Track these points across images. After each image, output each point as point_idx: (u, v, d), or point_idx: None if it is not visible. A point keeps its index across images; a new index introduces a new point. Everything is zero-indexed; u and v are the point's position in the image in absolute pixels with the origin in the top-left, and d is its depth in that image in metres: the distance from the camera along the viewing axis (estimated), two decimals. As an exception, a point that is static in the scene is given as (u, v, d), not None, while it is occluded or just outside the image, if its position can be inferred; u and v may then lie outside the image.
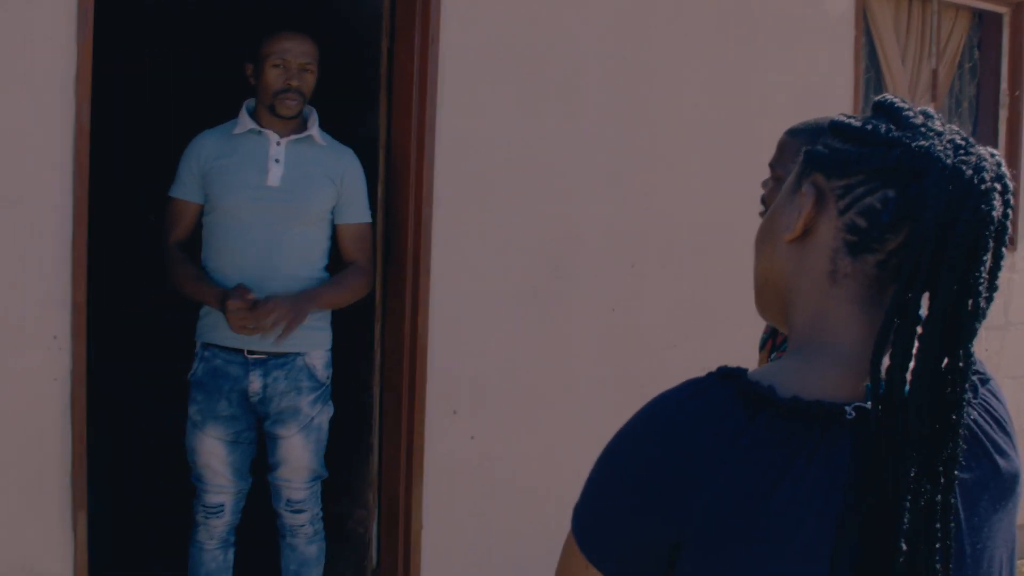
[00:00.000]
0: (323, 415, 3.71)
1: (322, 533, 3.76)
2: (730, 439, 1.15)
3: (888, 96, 1.30)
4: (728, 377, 1.20)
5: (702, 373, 1.23)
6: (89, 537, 3.27)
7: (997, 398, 1.29)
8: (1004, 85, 6.05)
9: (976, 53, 6.08)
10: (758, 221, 2.61)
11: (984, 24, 6.05)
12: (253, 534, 3.89)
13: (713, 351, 4.68)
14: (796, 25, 4.90)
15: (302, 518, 3.71)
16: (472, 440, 4.08)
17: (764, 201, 2.66)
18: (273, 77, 3.63)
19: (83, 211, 3.18)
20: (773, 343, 2.67)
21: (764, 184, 2.66)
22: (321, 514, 3.77)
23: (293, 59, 3.63)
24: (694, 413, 1.17)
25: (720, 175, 4.66)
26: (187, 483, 3.70)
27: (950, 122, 1.30)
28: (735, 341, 4.72)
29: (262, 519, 3.84)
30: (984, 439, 1.24)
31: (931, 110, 1.27)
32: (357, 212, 3.75)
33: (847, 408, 1.17)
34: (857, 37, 5.14)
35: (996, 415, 1.27)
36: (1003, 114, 6.05)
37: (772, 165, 2.62)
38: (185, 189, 3.69)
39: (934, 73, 5.72)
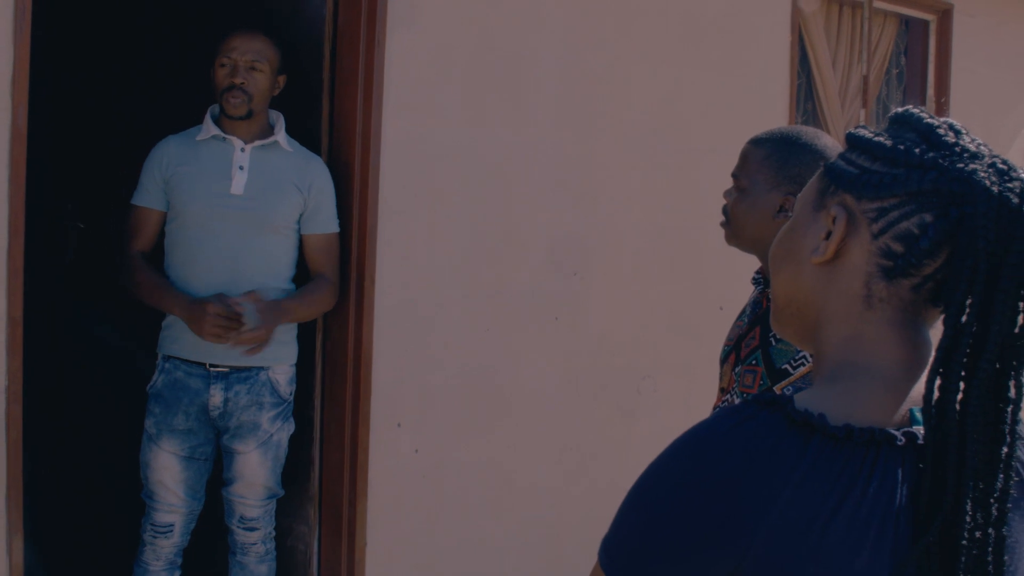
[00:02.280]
0: (283, 432, 3.60)
1: (273, 553, 3.65)
2: (787, 468, 1.13)
3: (912, 109, 1.27)
4: (770, 405, 1.17)
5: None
6: (26, 560, 3.13)
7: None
8: (930, 91, 6.12)
9: (903, 59, 6.14)
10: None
11: (911, 31, 6.11)
12: (201, 550, 3.76)
13: (656, 359, 4.67)
14: (736, 31, 4.89)
15: (254, 536, 3.59)
16: (417, 453, 3.99)
17: (726, 211, 2.60)
18: (220, 76, 3.52)
19: (19, 221, 3.01)
20: (736, 356, 2.61)
21: (727, 194, 2.61)
22: (274, 533, 3.65)
23: (239, 56, 3.50)
24: (745, 442, 1.14)
25: (662, 181, 4.63)
26: (137, 500, 3.56)
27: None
28: (678, 349, 4.71)
29: (211, 534, 3.72)
30: (1017, 463, 1.23)
31: (957, 124, 1.24)
32: (325, 222, 3.63)
33: (896, 434, 1.16)
34: (793, 42, 5.15)
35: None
36: (929, 120, 6.11)
37: (735, 175, 2.58)
38: (148, 196, 3.55)
39: (865, 79, 5.76)
